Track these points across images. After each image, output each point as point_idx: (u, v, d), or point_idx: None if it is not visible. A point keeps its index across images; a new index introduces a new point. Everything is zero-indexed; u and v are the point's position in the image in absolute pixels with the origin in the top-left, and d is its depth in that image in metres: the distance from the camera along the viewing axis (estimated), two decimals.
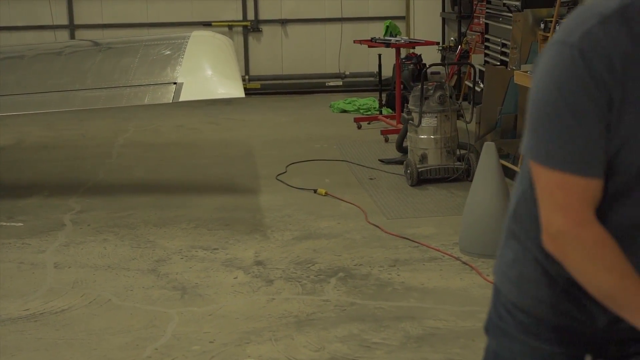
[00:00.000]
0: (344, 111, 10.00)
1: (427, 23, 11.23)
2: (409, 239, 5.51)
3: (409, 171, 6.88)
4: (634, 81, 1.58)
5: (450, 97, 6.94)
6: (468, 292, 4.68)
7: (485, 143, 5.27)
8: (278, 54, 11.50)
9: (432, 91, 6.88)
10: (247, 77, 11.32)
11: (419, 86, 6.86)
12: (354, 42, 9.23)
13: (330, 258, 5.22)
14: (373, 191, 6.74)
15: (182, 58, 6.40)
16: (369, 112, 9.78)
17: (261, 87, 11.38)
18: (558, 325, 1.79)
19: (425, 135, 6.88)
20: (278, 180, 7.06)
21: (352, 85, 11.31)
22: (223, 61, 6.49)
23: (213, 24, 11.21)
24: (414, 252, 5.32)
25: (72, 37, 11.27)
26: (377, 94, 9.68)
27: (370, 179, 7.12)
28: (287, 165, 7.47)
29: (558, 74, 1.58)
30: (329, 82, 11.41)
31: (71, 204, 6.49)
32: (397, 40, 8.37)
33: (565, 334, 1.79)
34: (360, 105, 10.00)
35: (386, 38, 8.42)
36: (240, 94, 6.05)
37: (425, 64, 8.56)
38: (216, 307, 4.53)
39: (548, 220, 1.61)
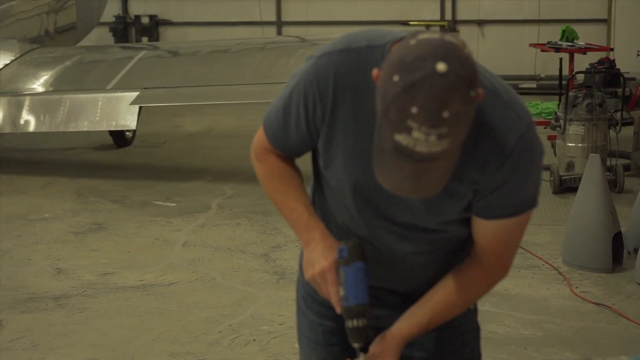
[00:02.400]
0: None
1: (631, 26, 10.86)
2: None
3: (552, 178, 6.85)
4: (343, 109, 1.84)
5: (600, 105, 6.81)
6: (547, 302, 4.71)
7: (591, 155, 5.22)
8: (473, 54, 11.53)
9: (581, 99, 6.80)
10: None
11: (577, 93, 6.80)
12: (530, 45, 9.17)
13: None
14: None
15: None
16: (551, 117, 9.65)
17: None
18: (325, 302, 2.03)
19: (573, 143, 6.81)
20: None
21: (546, 88, 11.17)
22: None
23: (410, 23, 11.50)
24: (516, 258, 5.34)
25: (279, 33, 11.98)
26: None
27: None
28: None
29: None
30: (522, 84, 11.32)
31: (225, 189, 7.06)
32: (568, 45, 8.25)
33: (331, 311, 2.02)
34: (542, 109, 9.90)
35: (558, 43, 8.31)
36: None
37: (618, 69, 8.37)
38: None
39: (252, 145, 2.09)
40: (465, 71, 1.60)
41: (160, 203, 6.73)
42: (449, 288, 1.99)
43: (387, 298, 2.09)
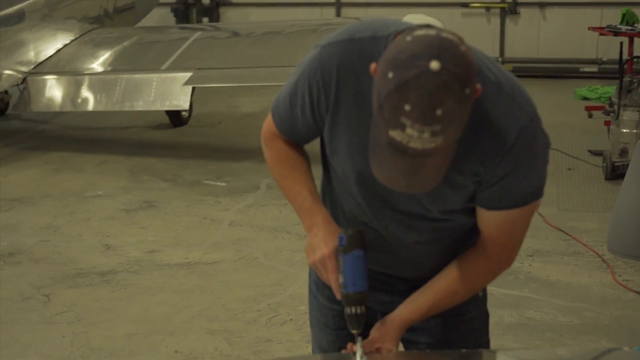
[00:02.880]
0: (585, 98, 9.80)
1: None
2: (564, 232, 5.51)
3: (604, 164, 6.75)
4: (346, 99, 1.85)
5: None
6: (587, 290, 4.67)
7: (638, 142, 5.14)
8: (534, 36, 11.42)
9: (636, 84, 6.68)
10: (500, 59, 11.38)
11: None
12: (588, 29, 9.01)
13: None
14: (563, 181, 6.71)
15: None
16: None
17: (513, 70, 11.36)
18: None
19: (627, 129, 6.70)
20: None
21: (608, 72, 10.95)
22: None
23: (471, 5, 11.41)
24: (560, 244, 5.33)
25: (338, 14, 11.97)
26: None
27: (568, 169, 7.06)
28: None
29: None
30: (583, 67, 11.15)
31: None
32: (628, 29, 8.09)
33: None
34: (601, 93, 9.74)
35: (617, 26, 8.15)
36: None
37: None
38: None
39: (262, 129, 2.14)
40: (460, 69, 1.61)
41: (211, 182, 6.83)
42: (452, 276, 2.00)
43: (394, 284, 2.12)
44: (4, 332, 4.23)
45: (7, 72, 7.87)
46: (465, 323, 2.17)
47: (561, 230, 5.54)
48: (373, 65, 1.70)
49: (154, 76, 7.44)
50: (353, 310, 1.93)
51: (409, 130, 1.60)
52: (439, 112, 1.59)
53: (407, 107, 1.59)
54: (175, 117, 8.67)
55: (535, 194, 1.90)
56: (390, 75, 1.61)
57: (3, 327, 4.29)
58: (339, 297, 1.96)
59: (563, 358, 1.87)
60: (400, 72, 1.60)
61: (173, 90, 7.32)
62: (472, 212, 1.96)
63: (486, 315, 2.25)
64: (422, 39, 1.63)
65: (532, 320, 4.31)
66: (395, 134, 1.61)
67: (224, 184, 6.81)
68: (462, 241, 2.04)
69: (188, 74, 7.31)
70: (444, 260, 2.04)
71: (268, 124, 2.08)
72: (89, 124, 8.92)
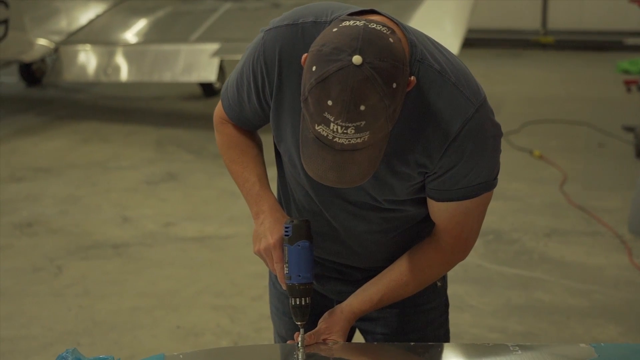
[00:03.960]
0: (626, 72, 9.56)
1: None
2: (586, 211, 5.40)
3: (635, 141, 6.59)
4: (289, 85, 1.80)
5: None
6: (602, 272, 4.57)
7: None
8: (577, 7, 11.15)
9: None
10: (542, 30, 11.16)
11: None
12: (630, 1, 8.75)
13: (492, 220, 5.29)
14: (593, 158, 6.57)
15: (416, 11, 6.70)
16: None
17: (555, 42, 11.15)
18: None
19: None
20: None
21: None
22: (451, 16, 6.66)
23: None
24: (580, 224, 5.22)
25: None
26: None
27: (599, 145, 6.91)
28: (523, 124, 7.45)
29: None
30: (627, 40, 10.88)
31: None
32: None
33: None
34: None
35: None
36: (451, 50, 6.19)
37: None
38: None
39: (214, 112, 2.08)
40: (385, 63, 1.56)
41: None
42: (404, 267, 1.96)
43: (349, 274, 2.08)
44: (12, 303, 4.28)
45: (40, 41, 7.94)
46: (422, 313, 2.12)
47: (582, 209, 5.43)
48: (304, 56, 1.66)
49: (182, 47, 7.44)
50: (297, 301, 1.89)
51: (332, 126, 1.56)
52: (362, 107, 1.54)
53: (329, 102, 1.55)
54: (208, 88, 8.66)
55: (486, 185, 1.84)
56: (313, 68, 1.58)
57: (11, 298, 4.35)
58: (284, 287, 1.92)
59: (512, 353, 1.81)
60: (323, 66, 1.56)
61: (200, 62, 7.31)
62: (422, 203, 1.91)
63: (445, 306, 2.20)
64: (347, 31, 1.58)
65: (539, 302, 4.24)
66: (320, 128, 1.58)
67: None
68: (417, 232, 1.99)
69: (216, 46, 7.29)
70: (399, 250, 2.00)
71: (218, 108, 2.05)
72: (122, 94, 8.96)
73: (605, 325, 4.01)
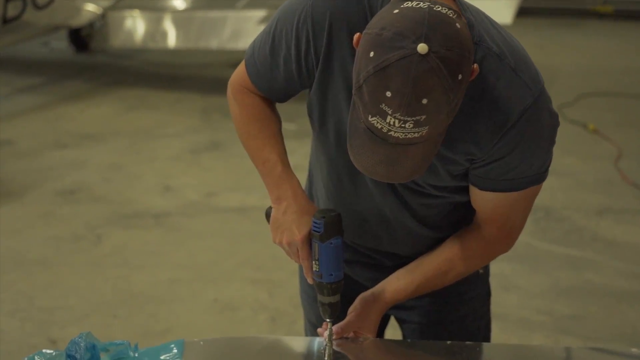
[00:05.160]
0: None
1: None
2: None
3: None
4: (339, 55, 1.66)
5: None
6: None
7: None
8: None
9: None
10: None
11: None
12: None
13: (542, 196, 5.10)
14: None
15: None
16: None
17: (614, 12, 10.82)
18: None
19: None
20: None
21: None
22: None
23: None
24: (634, 202, 5.03)
25: None
26: None
27: None
28: (578, 97, 7.22)
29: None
30: None
31: None
32: None
33: None
34: None
35: None
36: (504, 19, 6.01)
37: None
38: None
39: (230, 79, 1.92)
40: (452, 52, 1.40)
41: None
42: (443, 256, 1.83)
43: (378, 260, 1.95)
44: (51, 273, 4.25)
45: (87, 7, 7.89)
46: (463, 303, 2.00)
47: (638, 187, 5.23)
48: (356, 36, 1.50)
49: (229, 14, 7.33)
50: (327, 299, 1.77)
51: (389, 119, 1.41)
52: (424, 101, 1.39)
53: (388, 94, 1.40)
54: None
55: (535, 178, 1.71)
56: (371, 54, 1.41)
57: (50, 267, 4.31)
58: (311, 282, 1.80)
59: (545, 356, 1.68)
60: (383, 53, 1.40)
61: (247, 29, 7.19)
62: (466, 190, 1.78)
63: (487, 295, 2.07)
64: (410, 13, 1.41)
65: (589, 284, 4.08)
66: (374, 120, 1.43)
67: (294, 126, 6.68)
68: (457, 221, 1.86)
69: (263, 13, 7.16)
70: (436, 239, 1.87)
71: (240, 74, 1.87)
72: (170, 61, 8.89)
73: None
